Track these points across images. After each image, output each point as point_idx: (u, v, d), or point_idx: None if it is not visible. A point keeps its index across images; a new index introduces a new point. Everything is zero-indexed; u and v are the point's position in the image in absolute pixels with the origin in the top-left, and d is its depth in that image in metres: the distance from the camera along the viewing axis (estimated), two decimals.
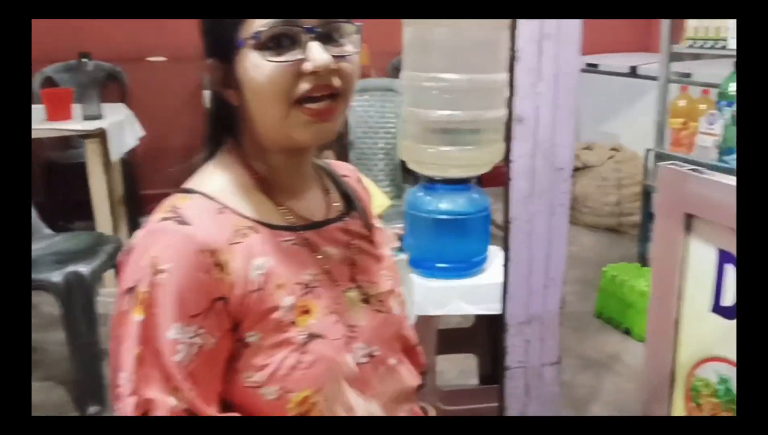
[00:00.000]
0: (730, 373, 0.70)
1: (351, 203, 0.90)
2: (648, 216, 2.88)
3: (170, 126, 4.00)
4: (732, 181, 0.69)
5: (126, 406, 0.68)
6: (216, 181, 0.79)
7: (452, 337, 2.28)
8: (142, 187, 3.96)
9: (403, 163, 2.90)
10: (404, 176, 2.97)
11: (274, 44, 0.72)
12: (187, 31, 3.88)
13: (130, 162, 3.64)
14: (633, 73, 3.87)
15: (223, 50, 0.75)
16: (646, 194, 2.83)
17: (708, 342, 0.74)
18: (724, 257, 0.69)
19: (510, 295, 1.81)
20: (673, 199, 0.74)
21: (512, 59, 1.64)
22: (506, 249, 1.79)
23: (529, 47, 1.65)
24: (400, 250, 1.94)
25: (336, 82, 0.74)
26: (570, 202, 1.75)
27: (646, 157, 2.81)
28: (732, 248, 0.68)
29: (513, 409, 1.90)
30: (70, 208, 3.68)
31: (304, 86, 0.72)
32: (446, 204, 1.83)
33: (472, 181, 1.92)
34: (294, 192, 0.82)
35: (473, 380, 2.31)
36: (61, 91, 2.93)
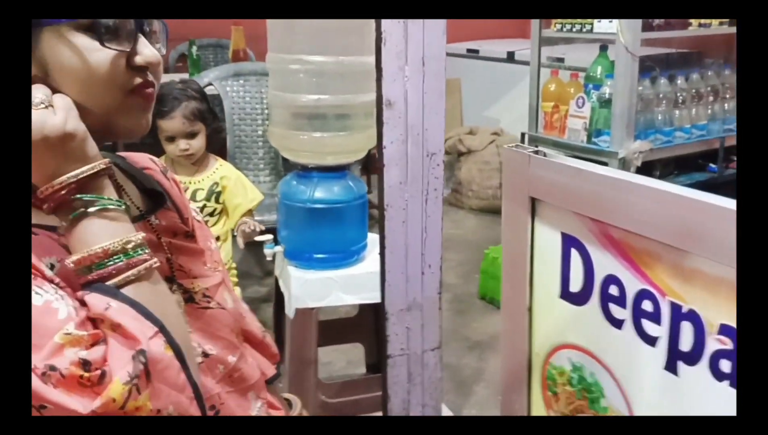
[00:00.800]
0: (583, 360, 0.69)
1: (158, 198, 0.81)
2: None
3: None
4: (574, 163, 0.67)
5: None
6: None
7: (337, 328, 2.23)
8: None
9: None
10: (286, 164, 2.87)
11: (101, 29, 0.65)
12: None
13: None
14: (511, 58, 3.97)
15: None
16: None
17: (560, 329, 0.73)
18: (568, 241, 0.68)
19: (388, 283, 1.77)
20: (517, 182, 0.72)
21: (378, 41, 1.59)
22: (382, 237, 1.75)
23: (394, 29, 1.60)
24: (276, 242, 1.87)
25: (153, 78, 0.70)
26: (454, 186, 1.76)
27: (522, 140, 2.88)
28: (575, 232, 0.66)
29: (397, 397, 1.88)
30: None
31: (137, 79, 0.68)
32: (321, 192, 1.77)
33: (353, 168, 1.87)
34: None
35: (361, 369, 2.28)
36: None
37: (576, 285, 0.68)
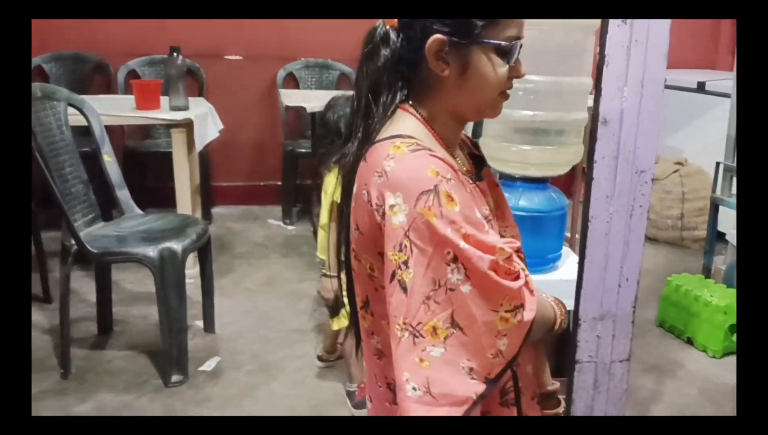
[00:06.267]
0: None
1: (480, 160, 1.05)
2: (715, 230, 2.89)
3: (243, 122, 4.18)
4: None
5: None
6: (414, 131, 0.93)
7: None
8: (214, 180, 4.15)
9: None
10: None
11: (507, 53, 0.91)
12: (262, 33, 4.05)
13: (205, 154, 3.82)
14: (701, 88, 3.87)
15: (465, 37, 0.90)
16: (715, 208, 2.84)
17: None
18: None
19: (584, 292, 1.86)
20: None
21: (600, 63, 1.71)
22: (583, 247, 1.85)
23: (617, 52, 1.71)
24: None
25: None
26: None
27: (716, 170, 2.82)
28: None
29: (580, 403, 1.95)
30: (145, 194, 3.87)
31: (509, 84, 0.94)
32: (525, 201, 1.91)
33: (549, 180, 1.99)
34: (453, 150, 0.97)
35: None
36: (151, 82, 3.11)
37: None
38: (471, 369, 0.83)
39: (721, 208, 2.83)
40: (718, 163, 2.80)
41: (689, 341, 2.61)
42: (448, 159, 0.89)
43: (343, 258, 1.01)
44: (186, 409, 2.12)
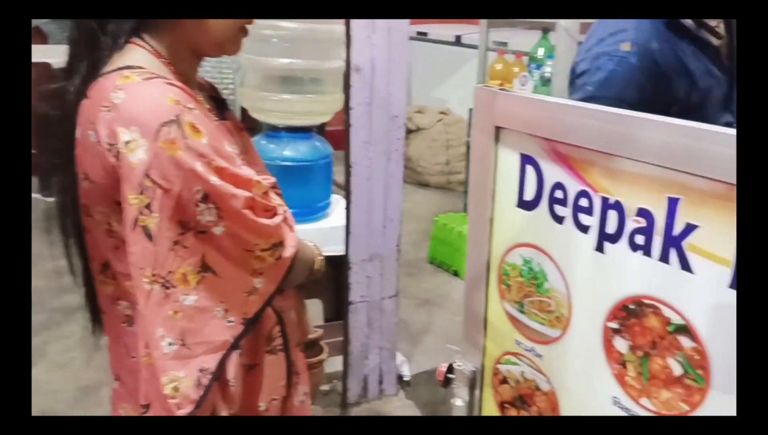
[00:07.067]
0: (532, 254, 0.87)
1: (222, 105, 0.96)
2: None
3: None
4: (532, 95, 0.85)
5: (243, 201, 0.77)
6: (146, 63, 0.81)
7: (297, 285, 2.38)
8: None
9: (243, 114, 2.92)
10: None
11: None
12: None
13: None
14: (458, 41, 4.17)
15: None
16: (470, 151, 3.11)
17: (514, 232, 0.90)
18: (524, 160, 0.85)
19: (352, 236, 1.93)
20: (485, 114, 0.88)
21: None
22: (348, 192, 1.91)
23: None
24: None
25: None
26: (404, 162, 1.94)
27: (469, 116, 3.08)
28: (530, 152, 0.84)
29: (356, 341, 2.04)
30: None
31: (249, 21, 0.87)
32: (290, 151, 1.91)
33: (313, 130, 2.01)
34: (191, 88, 0.87)
35: (319, 323, 2.43)
36: None
37: (529, 194, 0.85)
38: (227, 311, 0.79)
39: None
40: (470, 110, 3.06)
41: (456, 274, 2.86)
42: (187, 89, 0.80)
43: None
44: None
